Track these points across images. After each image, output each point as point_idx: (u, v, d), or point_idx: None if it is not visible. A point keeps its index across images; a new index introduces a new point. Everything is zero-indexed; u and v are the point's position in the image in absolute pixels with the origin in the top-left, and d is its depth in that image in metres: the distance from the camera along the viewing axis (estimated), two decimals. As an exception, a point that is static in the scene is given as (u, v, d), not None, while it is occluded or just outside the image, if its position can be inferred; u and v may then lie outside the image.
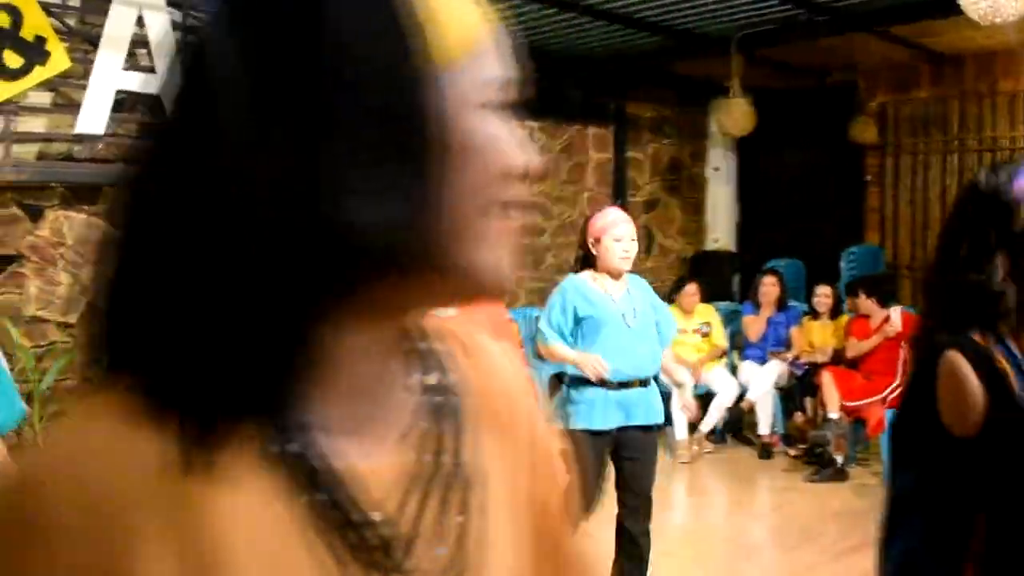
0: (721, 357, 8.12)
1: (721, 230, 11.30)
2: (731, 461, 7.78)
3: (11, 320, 7.02)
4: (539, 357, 4.63)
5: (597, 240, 4.42)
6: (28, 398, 6.95)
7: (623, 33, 8.78)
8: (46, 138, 7.15)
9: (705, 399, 7.69)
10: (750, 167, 11.16)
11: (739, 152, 11.12)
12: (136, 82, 7.18)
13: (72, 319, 7.36)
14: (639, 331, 4.44)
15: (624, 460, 4.39)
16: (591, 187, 10.51)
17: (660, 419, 4.53)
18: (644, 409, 4.41)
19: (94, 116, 6.95)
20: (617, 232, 4.39)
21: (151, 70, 7.23)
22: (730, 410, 7.77)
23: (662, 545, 5.73)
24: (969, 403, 1.69)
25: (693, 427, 7.57)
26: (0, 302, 7.05)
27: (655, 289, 4.94)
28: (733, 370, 8.14)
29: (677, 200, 11.23)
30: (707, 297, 8.82)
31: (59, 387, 7.20)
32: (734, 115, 8.91)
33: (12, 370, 7.00)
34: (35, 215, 7.19)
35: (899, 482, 1.82)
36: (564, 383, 4.52)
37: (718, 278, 10.37)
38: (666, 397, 7.72)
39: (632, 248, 4.43)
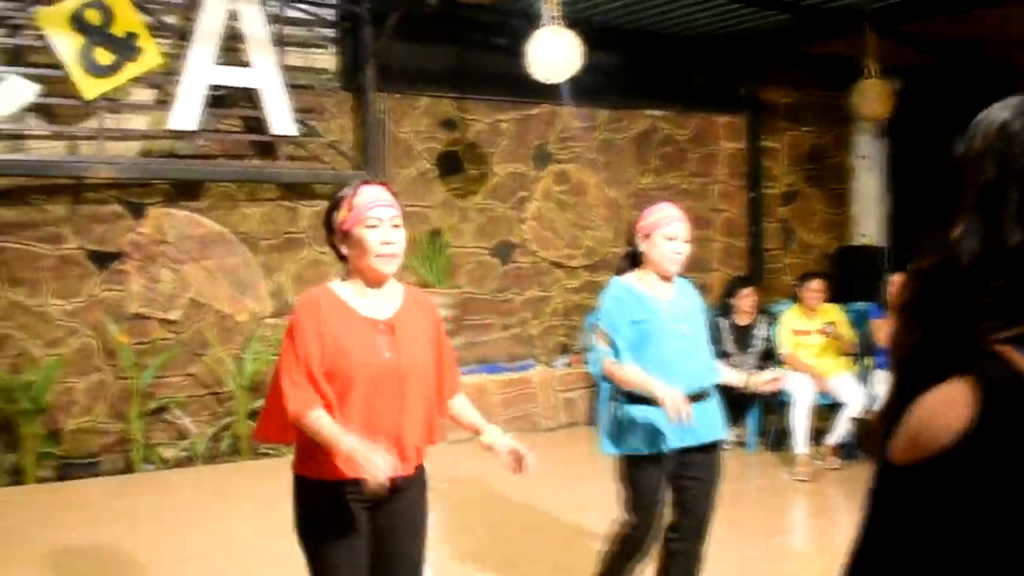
0: (852, 363, 7.35)
1: (869, 224, 10.44)
2: (860, 479, 6.99)
3: (113, 317, 7.06)
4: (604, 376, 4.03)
5: (646, 236, 3.91)
6: (127, 393, 6.99)
7: (749, 12, 8.18)
8: (149, 135, 7.16)
9: (832, 410, 6.99)
10: (903, 154, 10.24)
11: (890, 138, 10.24)
12: (229, 77, 7.11)
13: (173, 316, 7.36)
14: (695, 339, 3.92)
15: (685, 481, 3.88)
16: (722, 179, 9.89)
17: (723, 435, 4.01)
18: (706, 425, 3.90)
19: (187, 112, 6.90)
20: (669, 230, 3.87)
21: (245, 64, 7.13)
22: (860, 422, 7.02)
23: (778, 570, 5.19)
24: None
25: (818, 440, 6.89)
26: (103, 299, 7.10)
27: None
28: (867, 378, 7.37)
29: (819, 191, 10.44)
30: (853, 297, 8.08)
31: (158, 383, 7.21)
32: (869, 97, 8.16)
33: (113, 366, 7.07)
34: (137, 212, 7.23)
35: None
36: (614, 399, 3.98)
37: (865, 276, 9.52)
38: (783, 406, 7.10)
39: (685, 249, 3.91)
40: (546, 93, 7.56)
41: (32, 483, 6.65)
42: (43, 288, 6.92)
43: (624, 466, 3.88)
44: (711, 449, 3.92)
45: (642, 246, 3.89)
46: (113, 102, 6.97)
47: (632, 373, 3.78)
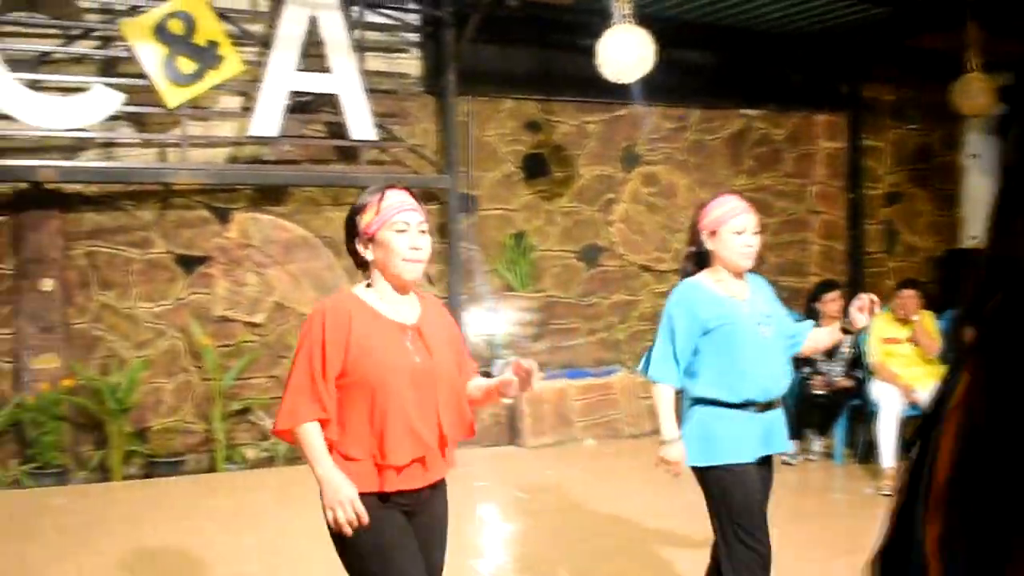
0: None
1: (981, 226, 9.92)
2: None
3: (198, 320, 7.22)
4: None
5: (713, 233, 3.69)
6: (212, 394, 7.13)
7: (847, 7, 7.87)
8: (233, 142, 7.30)
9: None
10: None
11: (1003, 136, 9.71)
12: (310, 83, 7.18)
13: (258, 319, 7.48)
14: (774, 340, 3.70)
15: None
16: (820, 179, 9.55)
17: (788, 447, 3.77)
18: (780, 435, 3.69)
19: (268, 118, 7.00)
20: (737, 223, 3.64)
21: (326, 70, 7.20)
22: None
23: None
24: None
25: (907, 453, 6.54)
26: (189, 302, 7.26)
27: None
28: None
29: (926, 192, 9.98)
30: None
31: (242, 385, 7.33)
32: (971, 93, 7.74)
33: (199, 368, 7.22)
34: (223, 217, 7.37)
35: None
36: (689, 403, 3.74)
37: (976, 280, 9.06)
38: (872, 417, 6.77)
39: (755, 242, 3.69)
40: (634, 94, 7.41)
41: (119, 480, 6.84)
42: (132, 291, 7.12)
43: (716, 478, 3.56)
44: (769, 460, 3.72)
45: (709, 244, 3.65)
46: (198, 110, 7.13)
47: (662, 401, 3.61)
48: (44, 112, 6.53)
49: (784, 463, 6.97)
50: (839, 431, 7.21)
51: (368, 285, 2.91)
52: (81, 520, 5.93)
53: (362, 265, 2.93)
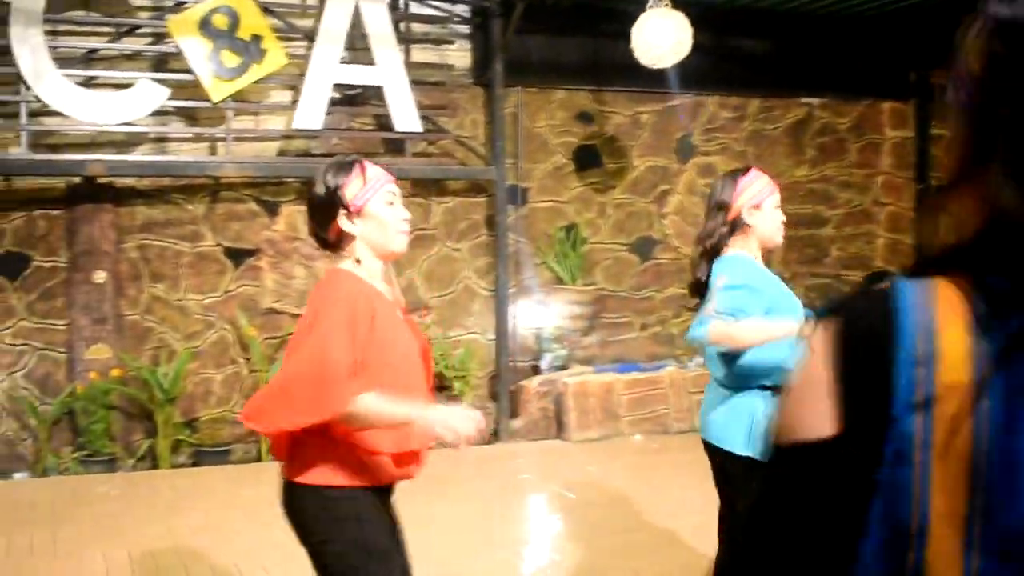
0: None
1: None
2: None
3: (247, 312, 7.31)
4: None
5: (756, 207, 3.49)
6: (260, 386, 7.20)
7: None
8: (280, 135, 7.37)
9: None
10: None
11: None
12: (354, 75, 7.20)
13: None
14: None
15: None
16: (886, 169, 9.23)
17: None
18: None
19: (312, 111, 7.04)
20: (776, 198, 3.50)
21: (370, 62, 7.21)
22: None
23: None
24: None
25: None
26: (238, 294, 7.36)
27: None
28: None
29: (1000, 182, 9.56)
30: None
31: (288, 377, 7.39)
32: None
33: (248, 359, 7.31)
34: (271, 210, 7.45)
35: None
36: (729, 388, 3.46)
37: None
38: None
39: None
40: (689, 83, 7.25)
41: (167, 468, 6.97)
42: (182, 283, 7.24)
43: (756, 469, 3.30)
44: None
45: (750, 218, 3.47)
46: (245, 104, 7.22)
47: (754, 325, 3.21)
48: (93, 108, 6.67)
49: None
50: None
51: (357, 262, 2.73)
52: (121, 507, 6.05)
53: (333, 245, 2.75)
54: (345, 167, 2.76)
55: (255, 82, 6.99)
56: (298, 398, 2.55)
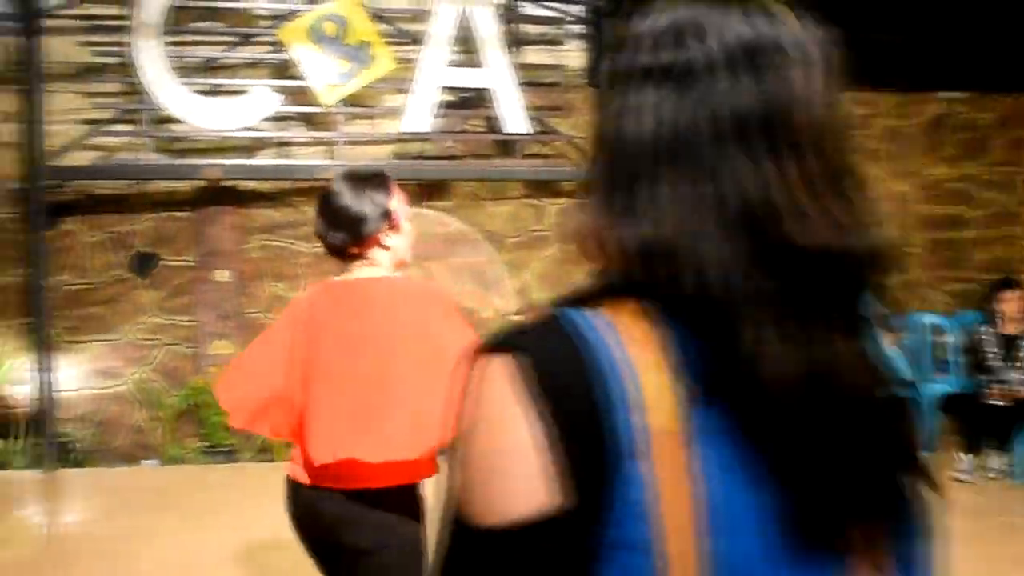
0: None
1: None
2: None
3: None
4: None
5: None
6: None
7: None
8: (392, 139, 7.53)
9: None
10: None
11: None
12: (463, 78, 7.28)
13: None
14: None
15: None
16: (1035, 168, 8.65)
17: None
18: None
19: (421, 114, 7.16)
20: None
21: (477, 65, 7.27)
22: None
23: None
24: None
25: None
26: (354, 294, 7.54)
27: None
28: None
29: None
30: None
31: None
32: None
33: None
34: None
35: None
36: None
37: None
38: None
39: None
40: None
41: (280, 461, 7.20)
42: (301, 283, 7.49)
43: None
44: None
45: None
46: (356, 108, 7.42)
47: None
48: (211, 114, 7.00)
49: (956, 480, 6.40)
50: (1019, 446, 6.51)
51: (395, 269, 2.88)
52: (239, 495, 6.30)
53: (350, 256, 2.80)
54: (384, 182, 2.82)
55: (365, 87, 7.16)
56: None
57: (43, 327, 7.16)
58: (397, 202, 2.82)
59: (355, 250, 2.80)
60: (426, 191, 7.68)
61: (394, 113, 7.48)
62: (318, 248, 7.88)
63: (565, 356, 0.77)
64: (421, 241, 7.44)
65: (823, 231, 0.79)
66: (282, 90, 7.16)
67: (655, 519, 0.75)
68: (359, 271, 2.83)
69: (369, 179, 2.83)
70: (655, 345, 0.79)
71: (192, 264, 7.37)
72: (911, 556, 0.84)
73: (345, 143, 7.41)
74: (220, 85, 7.15)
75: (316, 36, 6.97)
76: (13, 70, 7.17)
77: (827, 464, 0.78)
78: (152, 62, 6.89)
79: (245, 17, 7.34)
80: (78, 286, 7.35)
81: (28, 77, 7.01)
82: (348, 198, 2.78)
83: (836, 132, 0.84)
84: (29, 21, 7.02)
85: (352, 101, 7.30)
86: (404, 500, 2.69)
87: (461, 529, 0.80)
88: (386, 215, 2.77)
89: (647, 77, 0.84)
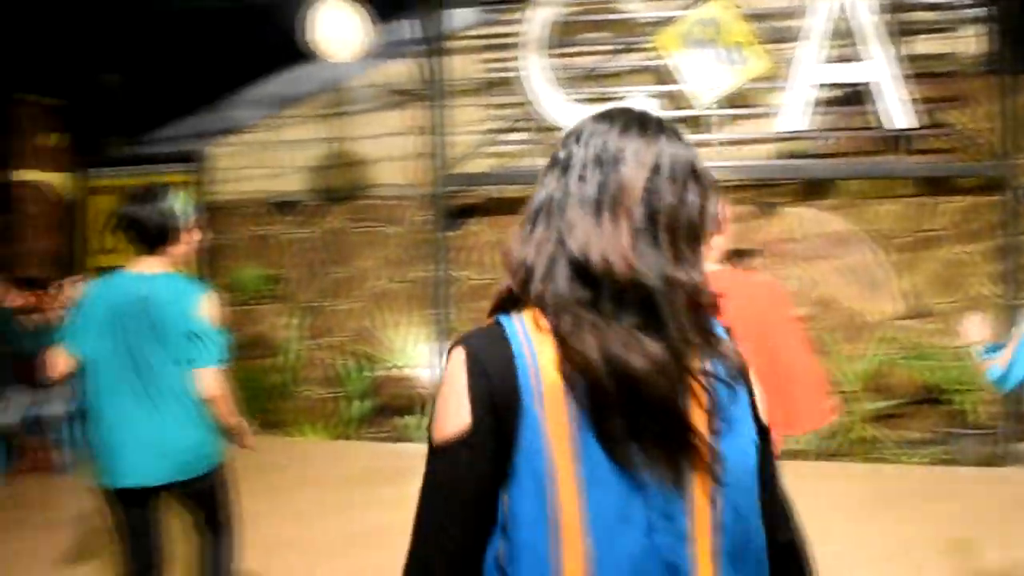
0: None
1: None
2: None
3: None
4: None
5: None
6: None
7: None
8: (770, 139, 7.49)
9: None
10: None
11: None
12: (843, 74, 7.10)
13: (801, 312, 7.52)
14: None
15: None
16: None
17: None
18: None
19: (796, 112, 7.10)
20: None
21: (857, 59, 7.05)
22: None
23: None
24: None
25: None
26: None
27: None
28: None
29: None
30: None
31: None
32: None
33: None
34: (768, 212, 7.56)
35: None
36: None
37: None
38: None
39: None
40: None
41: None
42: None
43: None
44: None
45: None
46: (734, 109, 7.45)
47: None
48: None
49: None
50: None
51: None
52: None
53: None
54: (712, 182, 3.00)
55: (741, 87, 7.20)
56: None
57: (446, 318, 7.91)
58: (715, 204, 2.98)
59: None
60: (808, 190, 7.54)
61: (771, 113, 7.43)
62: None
63: (494, 345, 1.28)
64: (804, 241, 7.37)
65: (631, 266, 1.25)
66: (660, 95, 7.37)
67: (547, 449, 1.23)
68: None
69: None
70: (546, 334, 1.26)
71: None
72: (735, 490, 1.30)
73: (724, 144, 7.47)
74: (601, 93, 7.50)
75: (692, 40, 7.12)
76: (422, 88, 7.98)
77: (636, 416, 1.24)
78: (537, 74, 7.42)
79: (625, 26, 7.62)
80: (479, 281, 8.02)
81: (433, 94, 7.79)
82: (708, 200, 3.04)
83: (672, 211, 1.31)
84: (435, 43, 7.80)
85: (729, 102, 7.35)
86: None
87: (429, 448, 1.30)
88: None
89: (552, 165, 1.37)
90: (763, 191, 7.56)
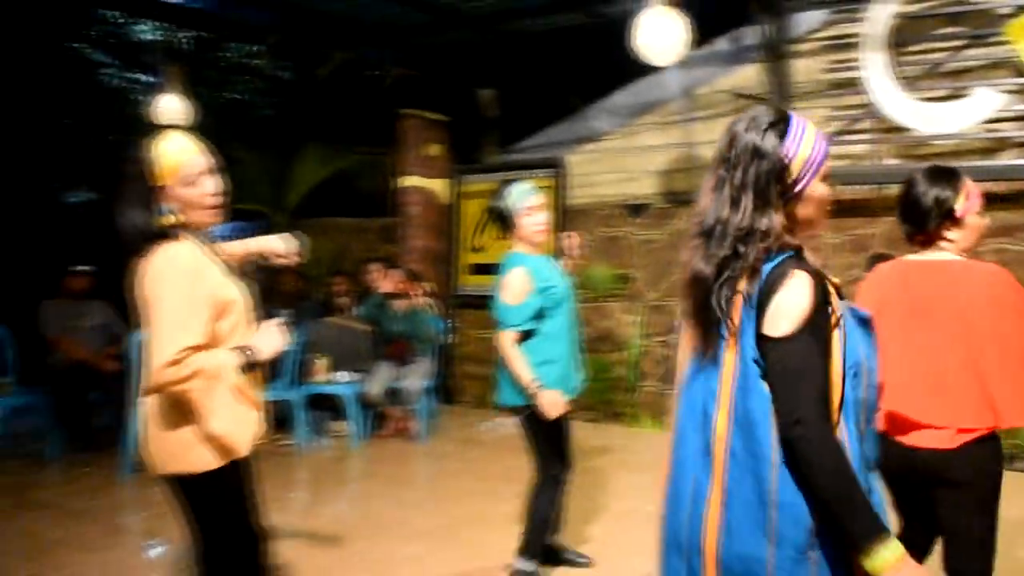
0: None
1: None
2: None
3: None
4: None
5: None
6: None
7: None
8: None
9: None
10: None
11: None
12: None
13: None
14: None
15: None
16: None
17: None
18: None
19: None
20: None
21: None
22: None
23: None
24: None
25: None
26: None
27: None
28: None
29: None
30: None
31: None
32: None
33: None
34: None
35: None
36: None
37: None
38: None
39: None
40: None
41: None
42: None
43: None
44: None
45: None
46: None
47: None
48: (931, 119, 7.28)
49: None
50: None
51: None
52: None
53: (923, 243, 3.18)
54: (953, 182, 3.19)
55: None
56: None
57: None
58: (965, 200, 3.09)
59: (920, 238, 3.18)
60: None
61: None
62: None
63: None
64: None
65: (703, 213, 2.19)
66: (1013, 89, 7.01)
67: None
68: (928, 254, 3.18)
69: (939, 178, 3.17)
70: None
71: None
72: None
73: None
74: (950, 88, 7.27)
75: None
76: (766, 91, 8.12)
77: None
78: (879, 73, 7.34)
79: (972, 18, 7.31)
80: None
81: (777, 97, 7.91)
82: (916, 195, 3.18)
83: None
84: (779, 47, 7.93)
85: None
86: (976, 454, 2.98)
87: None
88: (948, 213, 3.09)
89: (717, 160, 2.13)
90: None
